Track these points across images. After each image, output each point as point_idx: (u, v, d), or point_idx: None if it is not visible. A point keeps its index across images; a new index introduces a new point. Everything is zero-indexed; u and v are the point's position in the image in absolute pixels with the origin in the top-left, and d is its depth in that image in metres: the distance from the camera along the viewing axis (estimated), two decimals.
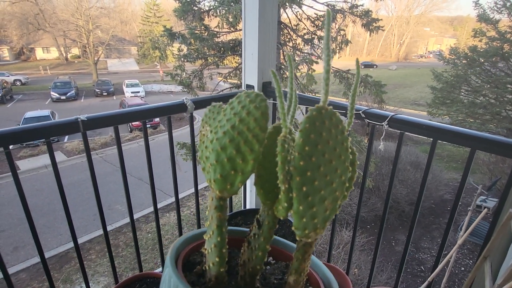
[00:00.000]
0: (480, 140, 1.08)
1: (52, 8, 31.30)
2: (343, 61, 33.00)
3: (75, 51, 36.69)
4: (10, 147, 1.05)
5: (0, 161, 10.87)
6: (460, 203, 1.32)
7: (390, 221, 8.02)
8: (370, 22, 6.41)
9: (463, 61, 10.04)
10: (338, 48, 6.76)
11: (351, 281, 1.49)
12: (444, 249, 1.37)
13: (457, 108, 9.83)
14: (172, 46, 8.71)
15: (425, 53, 52.78)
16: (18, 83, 24.28)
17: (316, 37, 7.03)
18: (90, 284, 1.49)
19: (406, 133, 1.31)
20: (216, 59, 7.41)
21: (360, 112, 1.35)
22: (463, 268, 6.37)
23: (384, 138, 1.45)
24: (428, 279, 1.24)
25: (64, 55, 35.77)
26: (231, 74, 7.79)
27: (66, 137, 12.80)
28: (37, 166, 10.19)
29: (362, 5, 6.58)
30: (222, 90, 7.70)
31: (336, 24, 6.84)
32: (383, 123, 1.30)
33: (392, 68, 37.34)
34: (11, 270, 5.99)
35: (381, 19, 6.73)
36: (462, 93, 10.43)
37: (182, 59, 7.37)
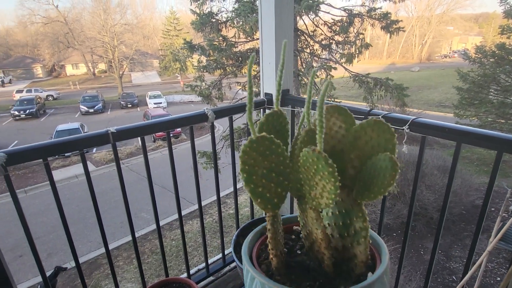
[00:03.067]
0: (506, 142, 1.05)
1: (80, 27, 33.19)
2: (362, 65, 32.55)
3: (102, 66, 38.54)
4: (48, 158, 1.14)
5: (34, 172, 11.53)
6: (493, 208, 1.27)
7: (418, 229, 7.71)
8: (389, 24, 6.31)
9: (491, 60, 9.60)
10: (357, 52, 6.68)
11: None
12: (475, 256, 1.32)
13: (486, 109, 9.38)
14: (192, 58, 8.97)
15: (449, 52, 50.91)
16: (50, 98, 25.78)
17: (333, 42, 7.01)
18: None
19: (432, 136, 1.29)
20: (234, 68, 7.55)
21: (380, 117, 1.35)
22: (498, 278, 6.00)
23: (409, 142, 1.43)
24: (457, 287, 1.20)
25: (92, 70, 37.66)
26: None
27: (95, 148, 13.39)
28: (68, 176, 10.71)
29: (380, 8, 6.50)
30: (241, 99, 7.81)
31: (354, 28, 6.79)
32: (403, 127, 1.29)
33: (415, 69, 36.27)
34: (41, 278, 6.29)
35: (401, 20, 6.61)
36: (491, 93, 9.94)
37: (202, 70, 7.57)
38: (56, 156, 11.67)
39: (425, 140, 1.31)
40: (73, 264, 6.73)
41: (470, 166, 10.78)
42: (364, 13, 6.68)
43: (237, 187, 1.88)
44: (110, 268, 1.46)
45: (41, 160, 1.11)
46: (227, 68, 7.53)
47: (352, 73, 6.65)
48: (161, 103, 22.05)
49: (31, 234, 1.16)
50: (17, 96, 23.69)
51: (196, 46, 7.42)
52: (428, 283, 1.48)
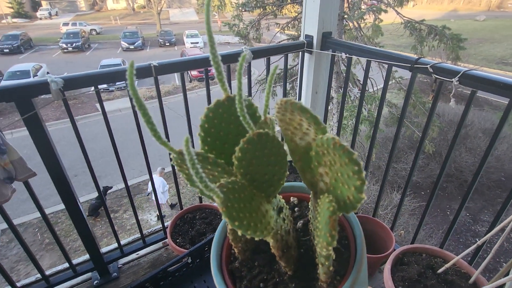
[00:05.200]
0: None
1: None
2: (418, 10, 28.93)
3: (141, 1, 37.82)
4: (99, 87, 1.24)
5: (83, 103, 12.42)
6: None
7: (449, 190, 7.54)
8: None
9: None
10: None
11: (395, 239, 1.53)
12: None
13: None
14: None
15: None
16: (94, 32, 26.32)
17: None
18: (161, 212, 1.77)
19: (484, 96, 1.19)
20: (275, 8, 7.09)
21: (428, 66, 1.26)
22: None
23: (456, 100, 1.33)
24: (478, 242, 1.22)
25: (131, 5, 37.22)
26: (289, 25, 7.43)
27: (136, 83, 13.89)
28: (112, 109, 11.44)
29: None
30: (279, 42, 7.46)
31: None
32: (452, 79, 1.20)
33: (480, 18, 31.61)
34: (93, 195, 7.20)
35: None
36: None
37: (240, 8, 7.20)
38: (102, 90, 12.37)
39: (474, 95, 1.22)
40: (118, 186, 7.59)
41: None
42: None
43: None
44: (154, 193, 1.65)
45: (92, 87, 1.21)
46: (267, 7, 7.09)
47: (404, 18, 5.97)
48: (198, 43, 21.74)
49: (88, 156, 1.33)
50: (64, 29, 24.45)
51: None
52: (446, 241, 1.51)
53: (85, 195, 7.30)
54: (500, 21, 30.22)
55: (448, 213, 7.10)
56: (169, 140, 0.54)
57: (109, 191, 7.04)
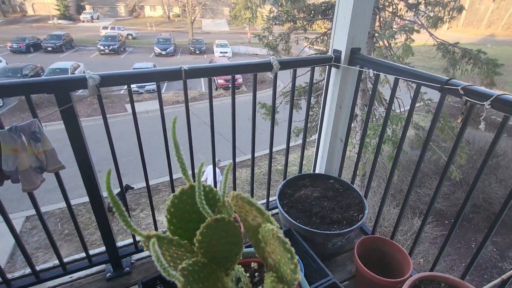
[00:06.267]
0: None
1: None
2: (453, 33, 28.19)
3: (176, 10, 39.51)
4: (131, 86, 1.30)
5: (114, 102, 12.98)
6: None
7: (475, 221, 7.12)
8: None
9: None
10: (448, 16, 5.74)
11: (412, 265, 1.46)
12: None
13: None
14: (263, 7, 8.68)
15: None
16: (130, 37, 27.70)
17: (423, 2, 6.10)
18: None
19: None
20: (305, 22, 7.15)
21: (459, 88, 1.22)
22: None
23: (488, 128, 1.27)
24: (503, 276, 1.15)
25: (167, 13, 38.93)
26: (318, 40, 7.46)
27: (164, 88, 14.40)
28: (140, 111, 11.88)
29: None
30: (307, 56, 7.51)
31: None
32: (484, 103, 1.15)
33: None
34: (115, 192, 7.43)
35: None
36: None
37: (271, 21, 7.33)
38: (133, 91, 12.92)
39: (507, 121, 1.17)
40: (139, 185, 7.79)
41: None
42: None
43: (290, 145, 1.94)
44: (171, 191, 1.69)
45: (125, 86, 1.27)
46: (297, 21, 7.17)
47: (437, 40, 5.83)
48: (226, 52, 22.28)
49: (115, 152, 1.39)
50: (103, 32, 25.93)
51: None
52: (468, 272, 1.42)
53: (105, 191, 7.56)
54: None
55: (472, 246, 6.70)
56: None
57: (129, 190, 7.25)
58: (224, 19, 39.40)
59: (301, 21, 7.13)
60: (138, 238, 1.62)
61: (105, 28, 28.07)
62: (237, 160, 9.12)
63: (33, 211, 1.32)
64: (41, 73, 14.99)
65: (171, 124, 0.66)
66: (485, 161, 1.25)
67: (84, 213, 7.15)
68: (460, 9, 5.74)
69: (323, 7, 6.96)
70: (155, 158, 8.39)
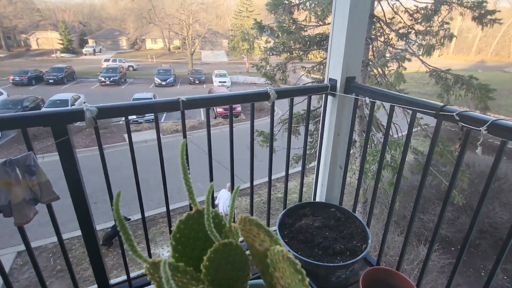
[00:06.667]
0: None
1: (162, 4, 35.54)
2: (444, 60, 29.11)
3: (176, 42, 41.07)
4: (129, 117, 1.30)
5: (112, 132, 13.06)
6: None
7: (482, 248, 6.92)
8: (483, 15, 5.46)
9: None
10: (438, 43, 5.96)
11: None
12: None
13: None
14: (260, 39, 9.02)
15: None
16: (131, 68, 28.51)
17: (413, 31, 6.37)
18: None
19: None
20: (301, 53, 7.40)
21: (454, 114, 1.23)
22: None
23: (487, 152, 1.27)
24: None
25: (167, 46, 40.42)
26: (314, 69, 7.69)
27: (163, 117, 14.58)
28: (139, 140, 11.94)
29: None
30: (304, 84, 7.69)
31: (439, 17, 6.05)
32: (481, 128, 1.16)
33: (509, 70, 31.23)
34: (110, 224, 7.25)
35: (499, 11, 5.67)
36: None
37: (268, 52, 7.58)
38: (131, 121, 13.05)
39: (505, 146, 1.16)
40: (135, 217, 7.62)
41: None
42: (454, 1, 5.90)
43: (289, 172, 1.92)
44: (168, 226, 1.64)
45: (122, 118, 1.28)
46: (293, 52, 7.42)
47: (429, 67, 6.01)
48: (225, 82, 22.82)
49: (110, 183, 1.36)
50: (105, 64, 26.72)
51: (265, 27, 7.43)
52: None
53: (101, 224, 7.37)
54: None
55: (482, 273, 6.45)
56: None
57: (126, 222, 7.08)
58: (223, 50, 40.84)
59: (297, 52, 7.37)
60: (132, 274, 1.54)
61: (106, 60, 28.96)
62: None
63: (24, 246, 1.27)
64: (42, 105, 15.21)
65: (180, 147, 0.65)
66: (487, 186, 1.23)
67: (78, 247, 6.93)
68: (451, 36, 5.97)
69: (317, 38, 7.24)
70: (153, 189, 8.30)
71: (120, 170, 9.12)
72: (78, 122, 1.20)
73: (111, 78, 22.08)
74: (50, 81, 21.60)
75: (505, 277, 6.25)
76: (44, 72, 22.35)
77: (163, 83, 22.45)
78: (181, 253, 0.64)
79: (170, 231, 1.63)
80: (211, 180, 1.68)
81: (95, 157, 1.34)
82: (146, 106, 1.30)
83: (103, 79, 22.03)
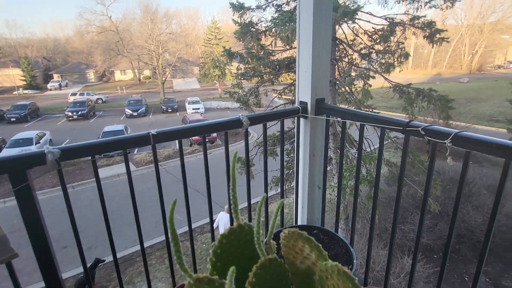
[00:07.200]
0: None
1: (130, 35, 35.66)
2: (405, 75, 31.10)
3: (147, 72, 40.99)
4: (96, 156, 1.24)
5: (82, 169, 12.45)
6: None
7: (462, 252, 7.11)
8: (433, 34, 5.97)
9: None
10: (397, 61, 6.40)
11: None
12: None
13: None
14: (231, 65, 9.21)
15: (504, 63, 46.98)
16: (100, 101, 27.87)
17: (373, 51, 6.79)
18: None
19: (482, 153, 1.19)
20: (272, 76, 7.62)
21: (419, 129, 1.28)
22: None
23: (455, 158, 1.33)
24: None
25: (138, 76, 40.16)
26: (286, 90, 7.90)
27: (136, 149, 14.17)
28: (111, 174, 11.43)
29: (424, 16, 6.19)
30: (277, 106, 7.85)
31: (395, 37, 6.54)
32: (445, 141, 1.21)
33: (463, 80, 33.89)
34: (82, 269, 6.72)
35: (446, 30, 6.20)
36: None
37: (240, 77, 7.73)
38: (102, 156, 12.53)
39: (470, 156, 1.22)
40: (110, 258, 7.14)
41: None
42: (406, 22, 6.41)
43: (268, 195, 1.89)
44: (144, 265, 1.53)
45: (89, 157, 1.21)
46: (264, 76, 7.62)
47: (392, 83, 6.38)
48: (199, 108, 22.83)
49: (76, 227, 1.26)
50: (71, 99, 25.93)
51: (235, 54, 7.62)
52: None
53: (73, 269, 6.83)
54: (483, 82, 32.31)
55: (466, 278, 6.58)
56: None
57: (100, 264, 6.60)
58: (194, 77, 41.18)
59: (267, 75, 7.58)
60: None
61: (73, 94, 28.16)
62: (215, 216, 8.79)
63: None
64: (3, 146, 14.33)
65: (232, 158, 0.66)
66: (459, 195, 1.27)
67: None
68: (406, 55, 6.43)
69: (286, 61, 7.51)
70: (129, 225, 7.89)
71: (92, 208, 8.63)
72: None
73: (79, 112, 21.40)
74: (12, 119, 20.54)
75: (487, 279, 6.41)
76: (5, 110, 21.29)
77: (135, 113, 22.05)
78: (219, 270, 0.60)
79: (146, 270, 1.52)
80: (188, 211, 1.61)
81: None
82: (114, 143, 1.24)
83: (70, 113, 21.30)
